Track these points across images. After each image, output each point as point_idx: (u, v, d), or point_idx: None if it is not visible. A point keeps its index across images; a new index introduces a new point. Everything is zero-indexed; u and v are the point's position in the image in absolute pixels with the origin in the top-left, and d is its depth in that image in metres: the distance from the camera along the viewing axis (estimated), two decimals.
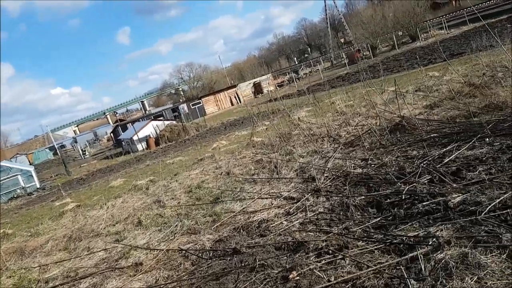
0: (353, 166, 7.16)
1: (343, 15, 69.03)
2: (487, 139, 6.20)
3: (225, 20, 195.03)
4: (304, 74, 58.56)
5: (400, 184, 5.34)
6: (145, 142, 33.56)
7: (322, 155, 8.59)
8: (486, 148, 5.82)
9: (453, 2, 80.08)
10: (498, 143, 5.82)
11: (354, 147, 8.70)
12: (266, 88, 53.32)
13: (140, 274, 4.98)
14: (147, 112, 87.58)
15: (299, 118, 14.10)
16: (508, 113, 7.18)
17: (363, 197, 5.42)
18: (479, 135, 6.29)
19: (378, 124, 9.72)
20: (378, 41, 53.83)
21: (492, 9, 55.68)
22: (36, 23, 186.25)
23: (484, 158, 5.42)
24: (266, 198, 6.66)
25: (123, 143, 39.20)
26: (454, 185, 4.74)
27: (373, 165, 6.90)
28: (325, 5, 61.04)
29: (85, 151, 47.36)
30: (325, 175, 7.05)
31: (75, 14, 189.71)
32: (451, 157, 5.83)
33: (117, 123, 53.82)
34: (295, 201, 6.10)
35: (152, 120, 37.32)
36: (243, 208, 6.50)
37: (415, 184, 5.16)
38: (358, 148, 8.43)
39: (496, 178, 4.55)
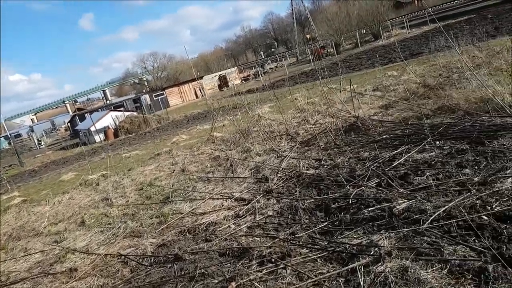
0: (307, 167, 7.06)
1: (309, 11, 69.53)
2: (437, 142, 6.25)
3: (193, 10, 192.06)
4: (270, 68, 58.51)
5: (349, 188, 5.26)
6: (103, 134, 32.43)
7: (278, 154, 8.46)
8: (435, 151, 5.85)
9: (416, 2, 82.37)
10: (448, 147, 5.86)
11: (310, 147, 8.62)
12: (232, 82, 52.90)
13: (73, 281, 4.63)
14: (108, 101, 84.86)
15: (259, 114, 13.91)
16: (460, 115, 7.30)
17: (312, 200, 5.31)
18: (429, 138, 6.33)
19: (334, 123, 9.70)
20: (342, 39, 54.57)
21: (452, 10, 57.79)
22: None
23: (433, 162, 5.43)
24: (218, 199, 6.44)
25: (80, 134, 37.75)
26: (401, 190, 4.70)
27: (325, 166, 6.83)
28: (292, 0, 61.07)
29: (41, 141, 45.21)
30: (279, 175, 6.91)
31: None
32: (400, 160, 5.82)
33: (75, 113, 51.72)
34: (246, 202, 5.91)
35: (112, 110, 36.12)
36: (193, 209, 6.25)
37: (363, 187, 5.10)
38: (314, 148, 8.35)
39: (442, 184, 4.54)
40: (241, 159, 9.22)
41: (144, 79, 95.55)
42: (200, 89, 50.02)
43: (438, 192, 4.32)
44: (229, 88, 50.18)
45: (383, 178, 5.27)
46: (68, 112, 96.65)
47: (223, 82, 53.48)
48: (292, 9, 62.10)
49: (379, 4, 47.33)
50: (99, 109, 45.49)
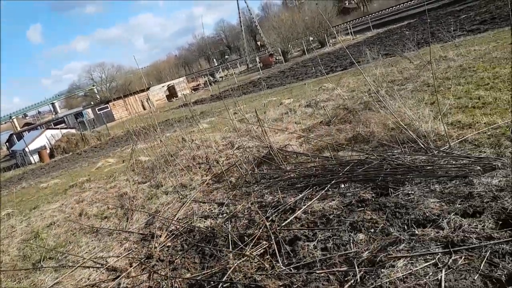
0: (206, 215, 6.10)
1: (260, 18, 69.31)
2: (342, 186, 5.48)
3: (146, 18, 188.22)
4: (220, 77, 57.54)
5: (229, 259, 4.33)
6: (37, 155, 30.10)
7: (181, 196, 7.44)
8: (337, 199, 5.06)
9: (362, 7, 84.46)
10: (351, 194, 5.09)
11: (220, 183, 7.67)
12: (181, 92, 51.42)
13: None
14: (56, 115, 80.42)
15: (183, 138, 12.82)
16: (373, 147, 6.61)
17: (187, 276, 4.32)
18: (333, 180, 5.56)
19: (253, 152, 8.81)
20: (290, 46, 54.59)
21: (395, 15, 59.34)
22: None
23: (331, 217, 4.63)
24: (88, 267, 5.31)
25: (17, 155, 34.97)
26: (282, 267, 3.82)
27: (224, 215, 5.89)
28: (238, 7, 60.49)
29: None
30: (171, 228, 5.89)
31: None
32: (297, 213, 4.98)
33: (12, 132, 48.23)
34: (115, 276, 4.83)
35: (48, 129, 33.70)
36: (55, 284, 5.10)
37: (242, 259, 4.18)
38: (222, 187, 7.41)
39: (330, 259, 3.70)
40: (145, 199, 8.13)
41: (95, 90, 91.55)
42: (147, 100, 48.19)
43: (318, 278, 3.46)
44: (178, 98, 48.70)
45: (272, 242, 4.39)
46: (17, 128, 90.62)
47: (171, 93, 51.86)
48: (239, 17, 61.50)
49: (323, 11, 47.62)
50: (38, 127, 42.53)
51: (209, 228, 5.45)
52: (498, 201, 3.70)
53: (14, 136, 41.96)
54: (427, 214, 3.94)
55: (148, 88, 47.57)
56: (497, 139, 5.23)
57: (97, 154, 22.84)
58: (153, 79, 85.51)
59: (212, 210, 6.26)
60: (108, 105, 45.83)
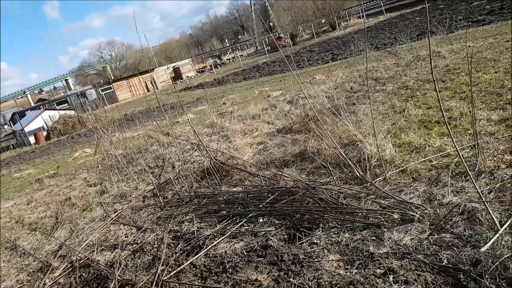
0: (114, 243, 5.46)
1: None
2: (260, 220, 4.77)
3: None
4: (227, 60, 56.41)
5: None
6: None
7: (108, 212, 6.82)
8: (245, 241, 4.36)
9: None
10: (262, 234, 4.39)
11: (157, 196, 7.01)
12: (187, 73, 50.66)
13: None
14: (69, 92, 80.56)
15: (149, 134, 12.17)
16: (314, 167, 5.83)
17: None
18: (254, 213, 4.84)
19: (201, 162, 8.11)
20: (301, 29, 52.94)
21: None
22: None
23: (227, 266, 3.94)
24: None
25: (16, 135, 35.01)
26: None
27: (134, 245, 5.25)
28: None
29: None
30: (73, 258, 5.28)
31: None
32: (199, 254, 4.30)
33: (16, 110, 48.43)
34: None
35: (46, 109, 33.50)
36: None
37: None
38: (155, 202, 6.76)
39: None
40: (81, 210, 7.56)
41: (108, 69, 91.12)
42: (152, 82, 47.62)
43: None
44: (182, 80, 48.00)
45: None
46: (30, 103, 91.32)
47: (177, 74, 51.12)
48: None
49: None
50: (41, 106, 42.46)
51: (108, 264, 4.81)
52: (392, 275, 2.95)
53: (17, 115, 41.99)
54: (318, 280, 3.23)
55: (152, 70, 46.84)
56: (437, 173, 4.42)
57: (85, 140, 22.49)
58: (164, 58, 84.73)
59: (126, 236, 5.62)
60: (111, 85, 45.37)
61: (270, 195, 5.22)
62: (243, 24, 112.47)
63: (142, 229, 5.64)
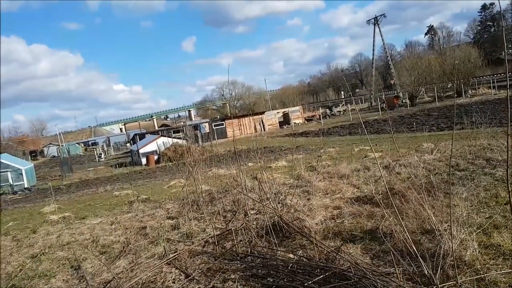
0: None
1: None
2: None
3: (289, 43, 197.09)
4: (338, 111, 56.06)
5: None
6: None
7: (165, 252, 6.81)
8: None
9: None
10: None
11: (219, 244, 6.83)
12: (294, 120, 51.53)
13: None
14: (190, 122, 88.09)
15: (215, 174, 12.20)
16: (381, 251, 5.07)
17: None
18: None
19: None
20: (423, 90, 50.48)
21: None
22: (113, 20, 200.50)
23: None
24: None
25: (132, 154, 38.92)
26: None
27: None
28: (374, 44, 58.38)
29: (101, 154, 47.60)
30: None
31: (148, 16, 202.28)
32: None
33: (137, 132, 54.13)
34: None
35: (161, 136, 36.73)
36: None
37: None
38: (213, 250, 6.58)
39: None
40: (148, 243, 7.72)
41: (227, 105, 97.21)
42: (260, 123, 49.40)
43: None
44: (289, 126, 48.87)
45: None
46: (155, 126, 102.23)
47: (285, 119, 52.32)
48: (373, 55, 59.32)
49: (465, 58, 42.92)
50: (158, 132, 46.82)
51: None
52: None
53: (137, 136, 46.84)
54: None
55: (263, 112, 48.73)
56: None
57: (186, 170, 23.77)
58: (279, 102, 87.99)
59: (174, 281, 5.48)
60: (224, 122, 48.20)
61: (322, 272, 4.66)
62: (362, 79, 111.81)
63: (189, 277, 5.46)
